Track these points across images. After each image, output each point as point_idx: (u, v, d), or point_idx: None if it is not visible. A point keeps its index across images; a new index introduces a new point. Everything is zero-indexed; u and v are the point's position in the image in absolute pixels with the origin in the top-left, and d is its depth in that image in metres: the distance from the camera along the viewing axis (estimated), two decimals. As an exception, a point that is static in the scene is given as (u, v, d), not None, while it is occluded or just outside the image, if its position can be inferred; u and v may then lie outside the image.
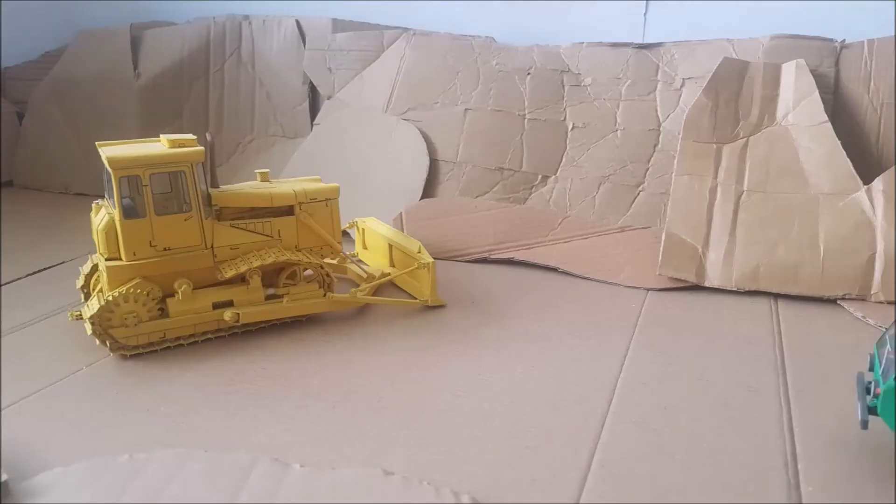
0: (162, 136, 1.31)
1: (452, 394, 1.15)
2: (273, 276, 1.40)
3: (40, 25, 2.60)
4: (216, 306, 1.33)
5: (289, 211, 1.41)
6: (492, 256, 1.76)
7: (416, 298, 1.50)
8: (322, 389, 1.17)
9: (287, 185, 1.44)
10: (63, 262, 1.74)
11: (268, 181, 1.47)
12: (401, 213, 1.87)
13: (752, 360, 1.28)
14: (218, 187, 1.40)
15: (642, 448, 1.01)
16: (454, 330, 1.39)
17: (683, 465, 0.98)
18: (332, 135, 2.13)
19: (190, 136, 1.31)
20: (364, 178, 1.96)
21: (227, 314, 1.30)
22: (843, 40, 1.82)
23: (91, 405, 1.12)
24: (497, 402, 1.13)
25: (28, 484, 0.90)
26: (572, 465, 0.97)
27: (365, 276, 1.57)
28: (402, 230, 1.80)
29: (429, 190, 1.97)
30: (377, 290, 1.55)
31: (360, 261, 1.68)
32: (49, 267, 1.71)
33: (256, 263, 1.33)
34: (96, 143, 1.32)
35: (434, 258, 1.48)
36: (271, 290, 1.39)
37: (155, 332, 1.29)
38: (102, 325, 1.25)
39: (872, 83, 1.79)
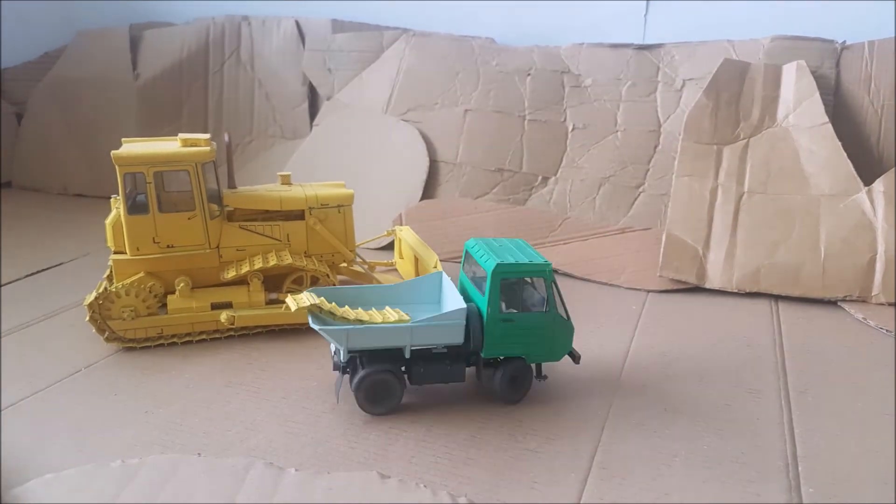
0: (180, 135, 1.31)
1: (452, 395, 1.15)
2: (281, 281, 1.38)
3: (40, 25, 2.60)
4: (215, 307, 1.32)
5: (299, 215, 1.40)
6: (491, 257, 1.76)
7: None
8: (321, 391, 1.16)
9: (299, 190, 1.42)
10: (62, 263, 1.73)
11: (289, 184, 1.46)
12: (400, 214, 1.87)
13: (753, 362, 1.28)
14: (235, 188, 1.40)
15: (642, 450, 1.01)
16: (454, 331, 1.39)
17: (684, 466, 0.97)
18: (331, 136, 2.12)
19: (203, 135, 1.30)
20: (364, 180, 1.95)
21: (223, 316, 1.30)
22: (844, 41, 1.81)
23: (89, 407, 1.11)
24: (497, 404, 1.12)
25: (19, 490, 0.89)
26: (572, 468, 0.97)
27: None
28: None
29: (429, 191, 1.96)
30: None
31: (394, 270, 1.66)
32: (48, 267, 1.71)
33: (257, 266, 1.32)
34: (122, 139, 1.33)
35: (434, 259, 1.47)
36: (275, 295, 1.37)
37: (152, 328, 1.29)
38: (102, 314, 1.26)
39: (873, 84, 1.78)
